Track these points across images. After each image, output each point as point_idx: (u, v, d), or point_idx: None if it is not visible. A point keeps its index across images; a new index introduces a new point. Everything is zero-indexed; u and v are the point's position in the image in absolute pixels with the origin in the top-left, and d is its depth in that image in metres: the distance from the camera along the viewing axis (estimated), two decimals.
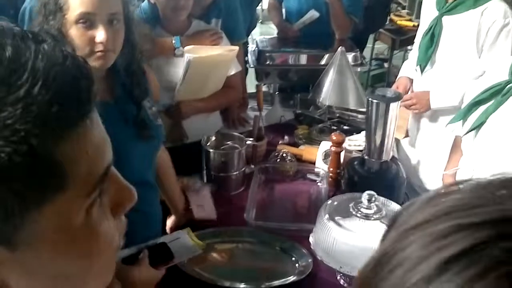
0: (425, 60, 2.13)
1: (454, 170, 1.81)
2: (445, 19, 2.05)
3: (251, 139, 2.01)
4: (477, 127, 1.59)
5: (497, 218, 0.30)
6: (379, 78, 4.38)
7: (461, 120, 1.69)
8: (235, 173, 1.87)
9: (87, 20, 1.22)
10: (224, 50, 2.06)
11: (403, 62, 2.71)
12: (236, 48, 2.09)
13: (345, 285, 1.46)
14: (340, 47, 2.27)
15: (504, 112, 1.54)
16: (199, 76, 1.96)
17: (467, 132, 1.63)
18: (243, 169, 1.89)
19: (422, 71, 2.16)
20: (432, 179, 2.10)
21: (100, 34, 1.22)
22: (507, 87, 1.56)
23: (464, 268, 0.28)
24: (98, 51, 1.24)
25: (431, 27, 2.10)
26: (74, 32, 1.23)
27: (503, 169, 1.42)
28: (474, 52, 1.97)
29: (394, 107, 1.69)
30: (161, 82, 1.69)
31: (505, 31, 1.88)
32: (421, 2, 2.37)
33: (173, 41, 1.99)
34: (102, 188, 0.43)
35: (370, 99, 1.71)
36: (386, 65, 4.55)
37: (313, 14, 2.76)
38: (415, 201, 0.35)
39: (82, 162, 0.40)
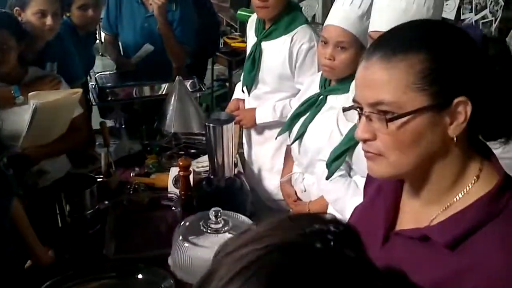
0: (249, 82, 2.34)
1: (289, 176, 2.06)
2: (263, 44, 2.28)
3: (101, 176, 2.06)
4: (300, 136, 1.84)
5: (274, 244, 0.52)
6: (223, 98, 4.61)
7: (288, 132, 1.94)
8: (89, 212, 1.89)
9: None
10: (68, 93, 2.08)
11: None
12: (80, 90, 2.13)
13: None
14: (178, 76, 2.42)
15: (319, 120, 1.82)
16: (45, 122, 1.96)
17: (293, 142, 1.88)
18: (97, 206, 1.93)
19: (249, 91, 2.37)
20: (272, 188, 2.30)
21: None
22: (319, 98, 1.84)
23: (250, 276, 0.49)
24: None
25: (252, 52, 2.31)
26: None
27: (323, 168, 1.68)
28: (289, 73, 2.22)
29: (228, 128, 1.88)
30: (4, 132, 1.68)
31: (311, 53, 2.15)
32: None
33: (12, 91, 1.96)
34: None
35: (206, 123, 1.89)
36: (228, 84, 4.82)
37: (148, 47, 2.86)
38: (236, 235, 0.57)
39: None
